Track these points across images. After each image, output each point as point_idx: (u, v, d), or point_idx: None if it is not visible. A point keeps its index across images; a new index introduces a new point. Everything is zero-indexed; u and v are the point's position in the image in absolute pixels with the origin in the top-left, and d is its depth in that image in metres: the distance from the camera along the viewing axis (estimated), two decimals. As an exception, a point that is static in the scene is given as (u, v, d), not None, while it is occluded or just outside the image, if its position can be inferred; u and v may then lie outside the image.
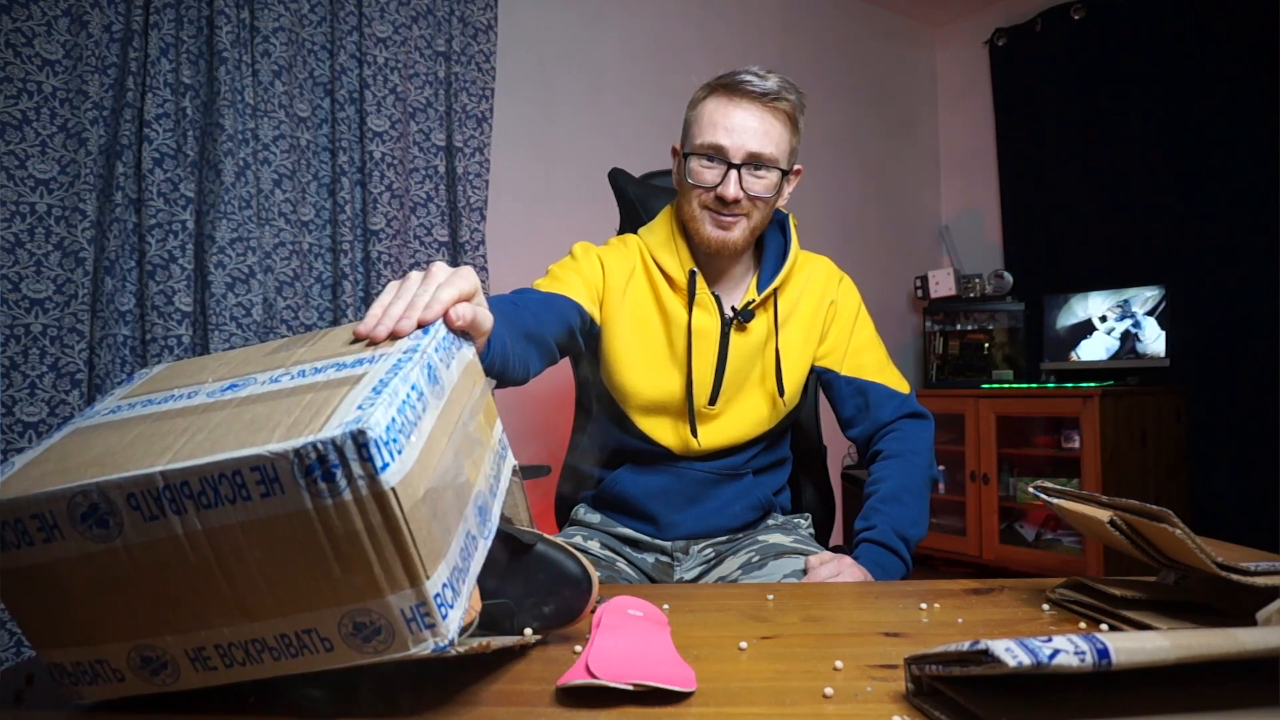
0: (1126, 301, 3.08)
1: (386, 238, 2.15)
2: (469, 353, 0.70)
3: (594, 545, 1.22)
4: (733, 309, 1.21)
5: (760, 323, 1.22)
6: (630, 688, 0.56)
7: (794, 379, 1.24)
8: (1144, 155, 3.15)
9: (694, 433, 1.20)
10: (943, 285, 3.53)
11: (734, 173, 1.12)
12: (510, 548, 0.71)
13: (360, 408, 0.50)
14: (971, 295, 3.52)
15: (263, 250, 1.98)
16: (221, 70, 1.89)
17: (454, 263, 2.30)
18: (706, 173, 1.14)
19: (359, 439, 0.48)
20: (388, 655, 0.53)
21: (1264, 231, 2.83)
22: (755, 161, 1.13)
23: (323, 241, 2.12)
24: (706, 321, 1.21)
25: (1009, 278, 3.45)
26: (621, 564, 1.22)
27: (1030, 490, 0.91)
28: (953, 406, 3.24)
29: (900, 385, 1.27)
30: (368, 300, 2.15)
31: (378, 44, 2.14)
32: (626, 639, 0.67)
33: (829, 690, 0.59)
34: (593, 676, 0.57)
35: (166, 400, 0.61)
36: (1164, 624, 0.68)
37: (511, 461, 0.75)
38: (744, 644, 0.70)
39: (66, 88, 1.73)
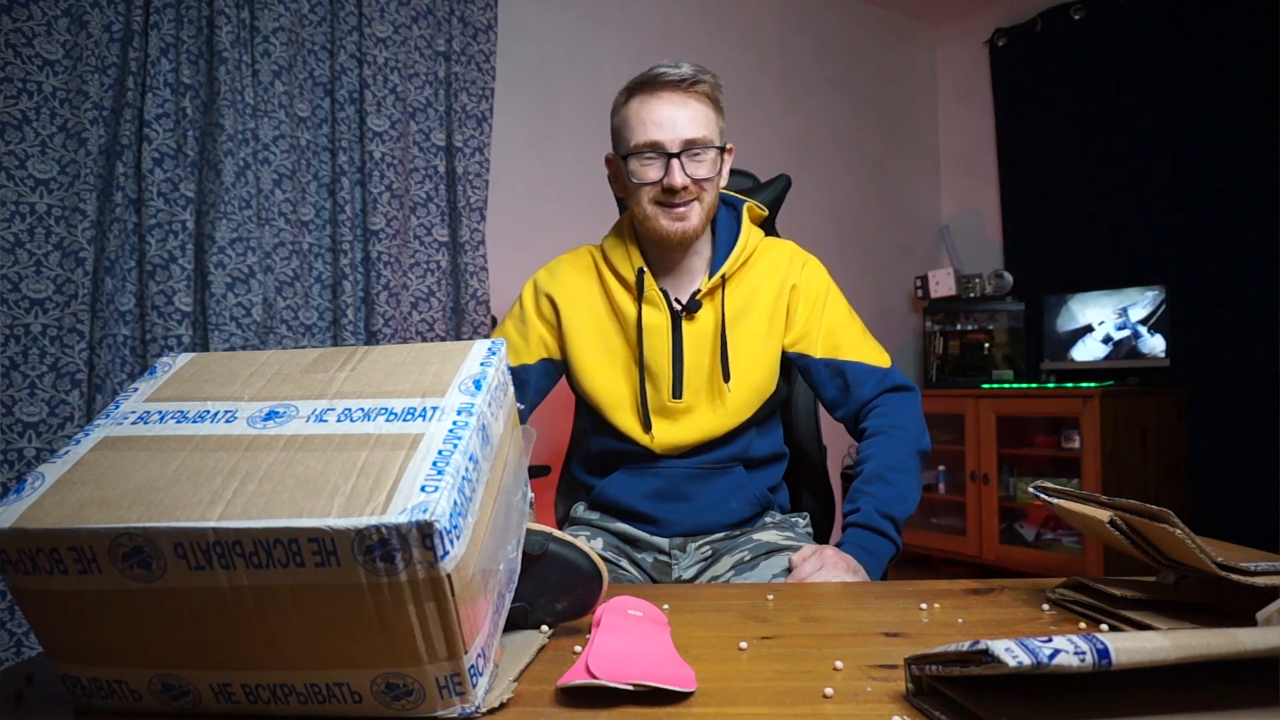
0: (1126, 308, 3.07)
1: (386, 238, 2.15)
2: (511, 395, 0.71)
3: (597, 544, 1.22)
4: (677, 301, 1.22)
5: (710, 312, 1.23)
6: (630, 688, 0.56)
7: (756, 367, 1.22)
8: (1144, 155, 3.15)
9: (647, 428, 1.21)
10: (943, 285, 3.53)
11: (675, 162, 1.14)
12: (523, 558, 0.71)
13: (424, 490, 0.50)
14: (971, 295, 3.51)
15: (263, 250, 1.98)
16: (221, 70, 1.89)
17: (454, 263, 2.30)
18: (649, 169, 1.16)
19: (424, 529, 0.48)
20: (413, 714, 0.54)
21: (1264, 232, 2.83)
22: (692, 146, 1.15)
23: (323, 241, 2.12)
24: (656, 317, 1.22)
25: (1009, 278, 3.45)
26: (625, 563, 1.22)
27: (1030, 490, 0.91)
28: (953, 406, 3.24)
29: (879, 360, 1.24)
30: (368, 300, 2.15)
31: (378, 44, 2.14)
32: (626, 639, 0.67)
33: (829, 690, 0.59)
34: (593, 676, 0.57)
35: (202, 419, 0.60)
36: (1164, 624, 0.68)
37: (530, 496, 0.76)
38: (744, 644, 0.70)
39: (66, 88, 1.73)
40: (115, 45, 1.82)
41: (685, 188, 1.15)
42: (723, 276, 1.21)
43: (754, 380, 1.22)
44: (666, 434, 1.22)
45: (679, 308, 1.22)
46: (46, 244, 1.71)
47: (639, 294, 1.22)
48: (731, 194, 1.34)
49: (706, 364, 1.22)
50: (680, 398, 1.21)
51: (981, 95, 3.77)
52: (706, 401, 1.22)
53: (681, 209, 1.17)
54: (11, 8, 1.67)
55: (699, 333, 1.22)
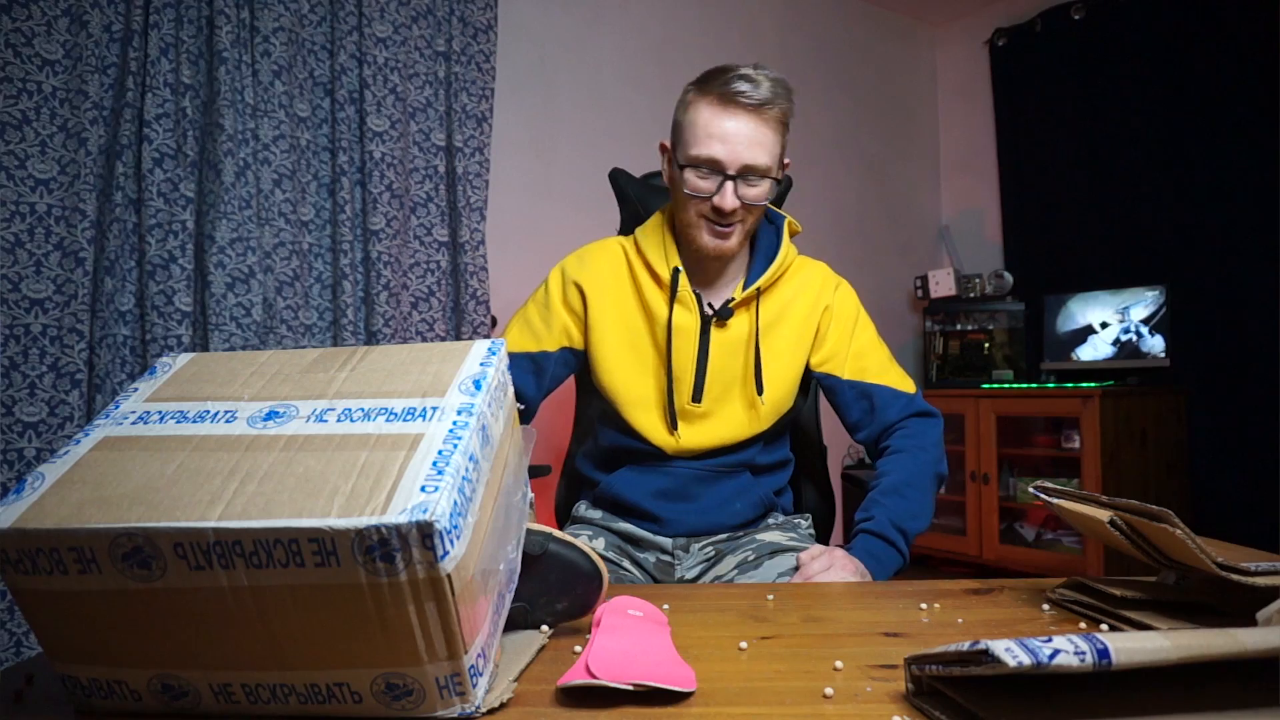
0: (1127, 308, 3.07)
1: (386, 238, 2.15)
2: (511, 395, 0.71)
3: (599, 544, 1.22)
4: (710, 306, 1.22)
5: (742, 322, 1.23)
6: (630, 688, 0.56)
7: (781, 381, 1.23)
8: (1144, 155, 3.15)
9: (674, 428, 1.21)
10: (943, 285, 3.53)
11: (729, 184, 1.13)
12: (523, 557, 0.71)
13: (424, 490, 0.50)
14: (971, 295, 3.52)
15: (263, 250, 1.98)
16: (221, 70, 1.89)
17: (454, 263, 2.30)
18: (702, 183, 1.14)
19: (424, 529, 0.48)
20: (413, 714, 0.54)
21: (1264, 232, 2.83)
22: (750, 172, 1.13)
23: (323, 241, 2.12)
24: (686, 319, 1.22)
25: (1009, 278, 3.44)
26: (627, 564, 1.22)
27: (1030, 490, 0.91)
28: (953, 406, 3.23)
29: (905, 385, 1.26)
30: (368, 300, 2.15)
31: (378, 44, 2.14)
32: (626, 639, 0.67)
33: (829, 690, 0.59)
34: (593, 676, 0.57)
35: (202, 419, 0.60)
36: (1164, 624, 0.68)
37: (530, 497, 0.76)
38: (744, 644, 0.70)
39: (66, 88, 1.73)
40: (115, 45, 1.82)
41: (734, 211, 1.14)
42: (758, 289, 1.22)
43: (777, 395, 1.23)
44: (681, 435, 1.22)
45: (711, 313, 1.22)
46: (46, 244, 1.71)
47: (672, 293, 1.21)
48: (773, 208, 1.33)
49: (732, 372, 1.22)
50: (699, 401, 1.21)
51: (981, 95, 3.77)
52: (725, 408, 1.23)
53: (725, 229, 1.16)
54: (11, 8, 1.67)
55: (729, 340, 1.22)
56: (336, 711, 0.54)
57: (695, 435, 1.22)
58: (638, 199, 1.55)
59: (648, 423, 1.23)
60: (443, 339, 2.29)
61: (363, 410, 0.60)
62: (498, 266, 2.42)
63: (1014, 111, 3.62)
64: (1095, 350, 3.17)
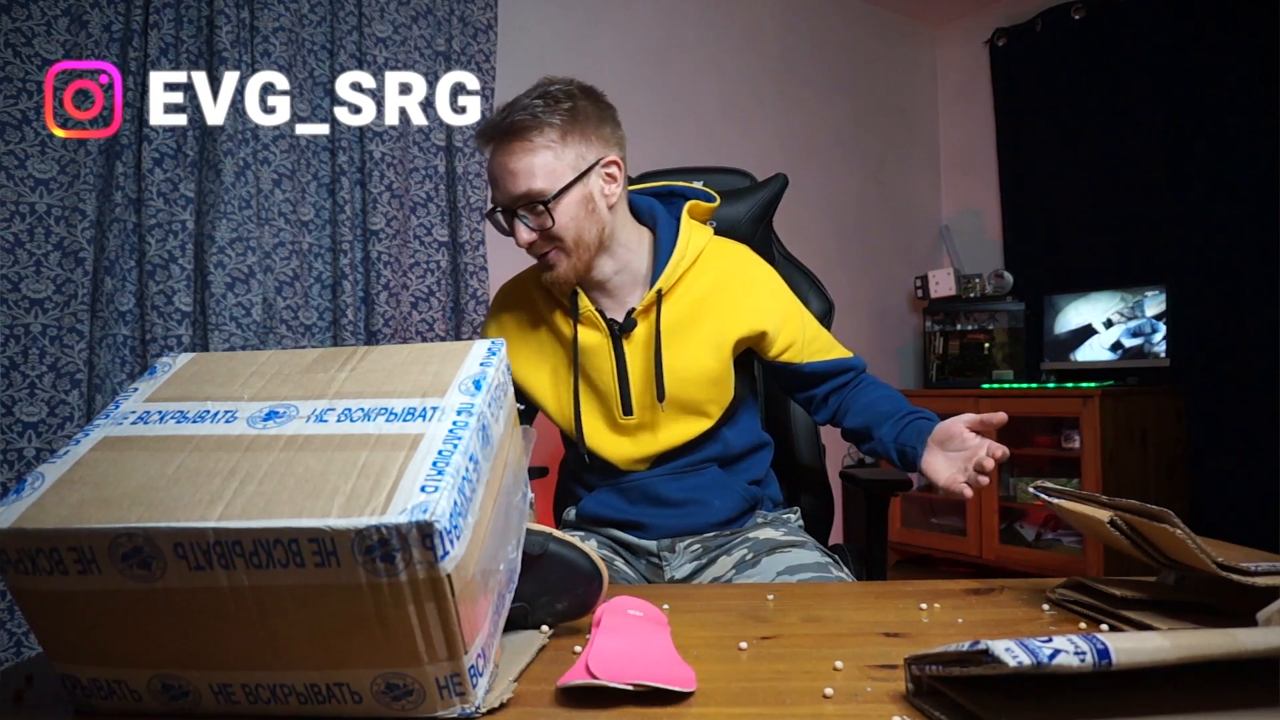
0: (1141, 303, 3.06)
1: (386, 238, 2.15)
2: (511, 395, 0.71)
3: (591, 544, 1.22)
4: (614, 320, 1.20)
5: (646, 328, 1.19)
6: (630, 688, 0.56)
7: (694, 379, 1.18)
8: (1144, 155, 3.15)
9: (582, 445, 1.20)
10: (943, 285, 3.53)
11: (516, 220, 1.11)
12: (522, 557, 0.71)
13: (424, 490, 0.50)
14: (971, 295, 3.51)
15: (262, 250, 1.98)
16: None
17: (454, 263, 2.30)
18: (505, 228, 1.14)
19: (424, 529, 0.48)
20: (413, 714, 0.54)
21: (1264, 231, 2.82)
22: (524, 201, 1.09)
23: (323, 241, 2.12)
24: (594, 337, 1.19)
25: (1009, 278, 3.44)
26: (620, 563, 1.22)
27: (1030, 490, 0.91)
28: (953, 406, 3.20)
29: (847, 353, 1.28)
30: (368, 300, 2.15)
31: (378, 44, 2.14)
32: (626, 639, 0.67)
33: (829, 690, 0.59)
34: (593, 676, 0.57)
35: (202, 419, 0.60)
36: (1164, 624, 0.68)
37: (530, 497, 0.76)
38: (744, 644, 0.70)
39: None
40: (115, 45, 1.82)
41: (533, 243, 1.12)
42: (659, 291, 1.17)
43: (695, 395, 1.19)
44: (625, 449, 1.21)
45: (616, 326, 1.19)
46: (46, 244, 1.71)
47: (575, 315, 1.19)
48: (678, 185, 1.27)
49: (651, 380, 1.19)
50: (631, 414, 1.20)
51: (981, 95, 3.77)
52: (660, 415, 1.20)
53: (543, 259, 1.15)
54: (11, 8, 1.67)
55: (640, 348, 1.19)
56: (336, 711, 0.54)
57: (639, 446, 1.21)
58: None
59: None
60: (443, 339, 2.29)
61: (363, 410, 0.60)
62: (498, 266, 2.42)
63: (1014, 111, 3.62)
64: (1095, 350, 3.17)
